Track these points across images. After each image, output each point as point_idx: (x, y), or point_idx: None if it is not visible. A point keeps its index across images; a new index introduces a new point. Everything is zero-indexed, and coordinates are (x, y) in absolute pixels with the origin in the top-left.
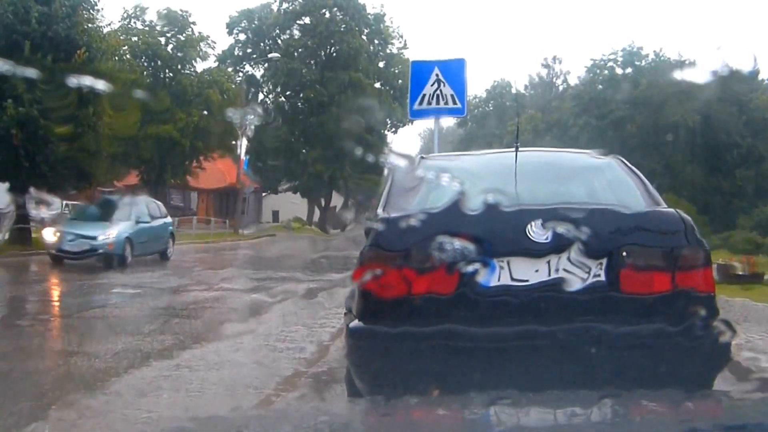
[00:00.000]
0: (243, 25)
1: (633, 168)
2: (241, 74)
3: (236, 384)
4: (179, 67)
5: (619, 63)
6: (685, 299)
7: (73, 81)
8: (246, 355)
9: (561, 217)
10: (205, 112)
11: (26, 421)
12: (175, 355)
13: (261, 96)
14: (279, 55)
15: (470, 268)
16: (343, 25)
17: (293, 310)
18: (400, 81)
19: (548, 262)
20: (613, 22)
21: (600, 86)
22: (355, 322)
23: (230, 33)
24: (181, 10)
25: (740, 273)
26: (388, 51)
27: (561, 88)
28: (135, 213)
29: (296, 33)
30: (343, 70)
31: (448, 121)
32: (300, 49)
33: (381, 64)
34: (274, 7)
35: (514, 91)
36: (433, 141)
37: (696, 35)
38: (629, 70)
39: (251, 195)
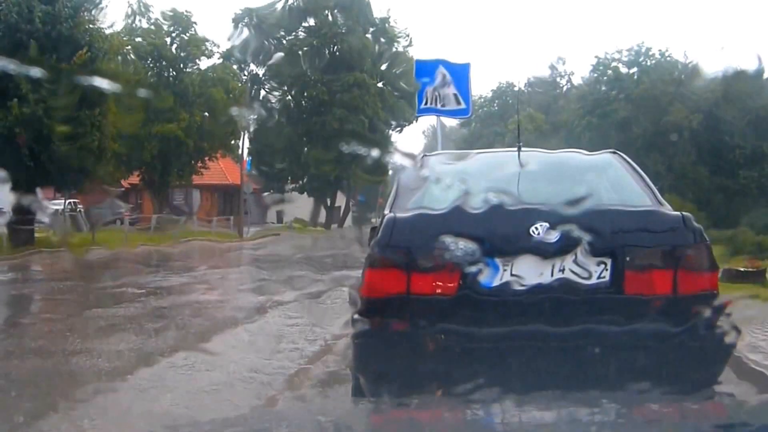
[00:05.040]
0: (245, 21)
1: (635, 167)
2: (245, 74)
3: (238, 383)
4: (182, 66)
5: (624, 62)
6: (688, 299)
7: (78, 81)
8: (248, 354)
9: (565, 217)
10: (206, 114)
11: (29, 420)
12: (178, 354)
13: (264, 95)
14: (283, 54)
15: (474, 269)
16: (346, 27)
17: (295, 309)
18: (404, 80)
19: (552, 263)
20: (618, 24)
21: (603, 87)
22: (360, 321)
23: (235, 28)
24: (186, 11)
25: (744, 273)
26: (393, 50)
27: (565, 88)
28: None
29: (301, 33)
30: (347, 70)
31: (452, 121)
32: (305, 48)
33: (384, 66)
34: (278, 6)
35: (516, 88)
36: (436, 139)
37: (701, 36)
38: (634, 69)
39: (251, 196)
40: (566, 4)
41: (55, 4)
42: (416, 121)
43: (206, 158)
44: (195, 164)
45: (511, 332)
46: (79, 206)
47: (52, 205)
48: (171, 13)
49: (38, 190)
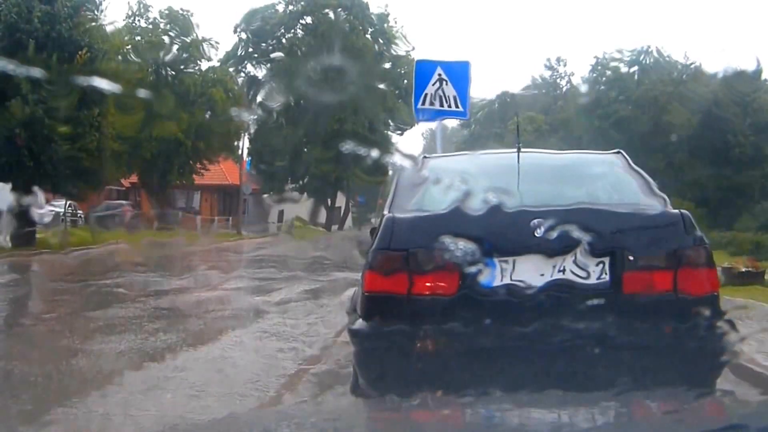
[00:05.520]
0: (243, 25)
1: (636, 167)
2: (243, 74)
3: (239, 384)
4: (182, 67)
5: (624, 62)
6: (688, 299)
7: (77, 81)
8: (248, 354)
9: (565, 218)
10: (208, 113)
11: (28, 421)
12: (178, 354)
13: (263, 96)
14: (282, 55)
15: (474, 269)
16: (347, 24)
17: (294, 311)
18: (405, 81)
19: (552, 263)
20: (618, 24)
21: (602, 87)
22: (360, 322)
23: (235, 32)
24: (182, 9)
25: (744, 273)
26: (393, 52)
27: (565, 89)
28: None
29: (300, 33)
30: (347, 71)
31: (452, 122)
32: (303, 49)
33: (387, 65)
34: (280, 8)
35: (515, 91)
36: (435, 141)
37: (700, 36)
38: (635, 68)
39: (250, 196)
40: (566, 4)
41: (54, 4)
42: (417, 123)
43: (206, 161)
44: (195, 165)
45: (511, 332)
46: (79, 211)
47: (52, 207)
48: (167, 12)
49: (39, 192)
